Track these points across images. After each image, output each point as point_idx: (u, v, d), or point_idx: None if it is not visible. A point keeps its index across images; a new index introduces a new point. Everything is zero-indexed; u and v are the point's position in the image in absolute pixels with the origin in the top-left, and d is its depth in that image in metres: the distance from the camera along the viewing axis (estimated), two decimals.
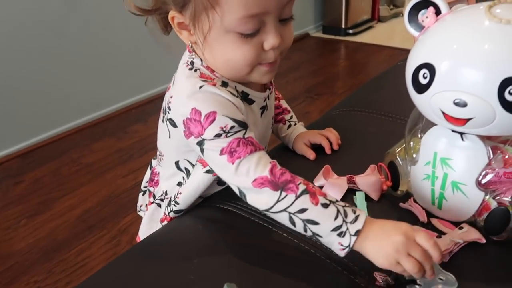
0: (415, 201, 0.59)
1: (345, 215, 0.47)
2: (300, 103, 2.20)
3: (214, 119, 0.52)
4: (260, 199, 0.50)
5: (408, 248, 0.44)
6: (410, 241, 0.45)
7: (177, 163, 0.65)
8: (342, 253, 0.48)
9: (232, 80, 0.57)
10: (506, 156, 0.51)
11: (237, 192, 0.52)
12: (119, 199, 1.54)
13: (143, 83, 2.28)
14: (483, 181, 0.50)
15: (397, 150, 0.60)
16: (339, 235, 0.47)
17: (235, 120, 0.52)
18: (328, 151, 0.73)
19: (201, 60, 0.57)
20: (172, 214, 0.65)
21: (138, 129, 2.03)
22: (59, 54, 1.88)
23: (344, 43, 3.08)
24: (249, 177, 0.50)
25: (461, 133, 0.49)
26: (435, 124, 0.52)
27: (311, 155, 0.72)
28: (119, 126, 2.05)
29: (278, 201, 0.49)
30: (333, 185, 0.62)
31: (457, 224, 0.54)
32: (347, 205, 0.49)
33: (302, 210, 0.48)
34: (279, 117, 0.77)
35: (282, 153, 0.77)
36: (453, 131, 0.50)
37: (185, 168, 0.65)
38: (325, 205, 0.48)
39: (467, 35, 0.45)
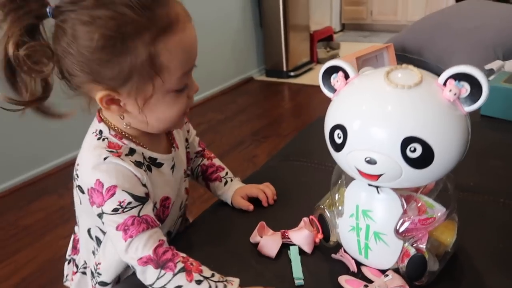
0: (345, 251, 0.61)
1: None
2: (247, 146, 2.24)
3: (114, 193, 0.55)
4: (145, 275, 0.56)
5: None
6: None
7: (89, 231, 0.66)
8: None
9: (138, 144, 0.61)
10: (419, 204, 0.55)
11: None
12: (61, 262, 1.45)
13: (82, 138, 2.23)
14: (401, 230, 0.54)
15: (325, 203, 0.63)
16: None
17: (132, 196, 0.56)
18: (264, 203, 0.75)
19: (109, 129, 0.60)
20: (98, 286, 0.64)
21: None
22: None
23: (287, 85, 3.20)
24: (137, 255, 0.55)
25: (377, 186, 0.53)
26: (355, 178, 0.56)
27: (249, 206, 0.75)
28: (60, 183, 1.97)
29: (158, 278, 0.55)
30: (267, 241, 0.63)
31: (384, 271, 0.57)
32: (221, 279, 0.56)
33: (179, 287, 0.54)
34: (214, 176, 0.79)
35: (219, 209, 0.78)
36: (369, 184, 0.53)
37: (96, 237, 0.65)
38: (199, 282, 0.54)
39: (370, 99, 0.50)
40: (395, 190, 0.53)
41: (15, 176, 1.93)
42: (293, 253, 0.62)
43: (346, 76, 0.54)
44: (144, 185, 0.59)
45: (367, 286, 0.54)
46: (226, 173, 0.80)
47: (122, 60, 0.52)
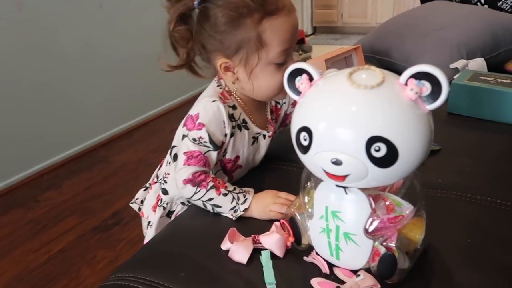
0: (317, 253, 0.61)
1: (238, 199, 0.73)
2: None
3: (200, 129, 0.74)
4: (184, 191, 0.75)
5: (273, 200, 0.72)
6: (274, 197, 0.73)
7: (172, 148, 0.84)
8: (233, 219, 0.73)
9: (242, 106, 0.80)
10: (387, 203, 0.55)
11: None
12: (30, 278, 1.41)
13: (54, 146, 2.17)
14: (370, 229, 0.54)
15: (296, 206, 0.63)
16: (233, 211, 0.73)
17: (210, 140, 0.74)
18: None
19: (225, 84, 0.80)
20: (160, 193, 0.87)
21: (51, 196, 1.91)
22: None
23: None
24: (182, 177, 0.74)
25: (344, 187, 0.53)
26: (323, 180, 0.55)
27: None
28: (29, 195, 1.91)
29: (195, 193, 0.74)
30: (238, 248, 0.62)
31: (356, 272, 0.57)
32: (241, 191, 0.74)
33: (210, 199, 0.73)
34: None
35: (192, 216, 0.76)
36: (337, 185, 0.53)
37: (174, 154, 0.83)
38: (225, 194, 0.73)
39: (335, 100, 0.49)
40: (363, 190, 0.53)
41: None
42: (265, 257, 0.61)
43: (311, 79, 0.54)
44: (226, 135, 0.76)
45: (339, 287, 0.54)
46: None
47: (237, 33, 0.71)
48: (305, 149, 0.51)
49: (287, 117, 0.94)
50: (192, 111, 0.76)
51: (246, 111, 0.81)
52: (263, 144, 0.86)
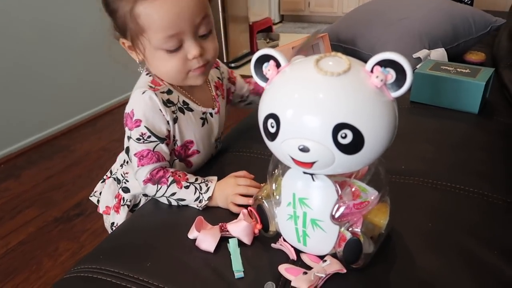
0: (284, 240, 0.61)
1: (200, 189, 0.72)
2: None
3: (138, 126, 0.72)
4: (147, 190, 0.74)
5: (232, 190, 0.70)
6: (233, 186, 0.71)
7: (127, 148, 0.78)
8: (200, 208, 0.72)
9: (178, 88, 0.77)
10: (353, 189, 0.56)
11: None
12: None
13: (11, 134, 2.07)
14: (337, 215, 0.54)
15: (264, 193, 0.63)
16: (198, 201, 0.72)
17: (152, 133, 0.72)
18: None
19: None
20: (121, 191, 0.85)
21: (9, 187, 1.83)
22: None
23: None
24: (141, 178, 0.73)
25: (312, 174, 0.53)
26: (291, 167, 0.55)
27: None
28: None
29: (157, 190, 0.73)
30: (205, 236, 0.61)
31: (322, 257, 0.58)
32: (202, 181, 0.73)
33: (173, 194, 0.72)
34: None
35: (159, 204, 0.75)
36: (304, 172, 0.53)
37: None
38: (187, 187, 0.72)
39: (302, 87, 0.49)
40: (330, 177, 0.53)
41: None
42: (232, 245, 0.61)
43: (278, 65, 0.54)
44: (168, 123, 0.73)
45: (306, 272, 0.55)
46: None
47: (116, 16, 0.68)
48: (273, 136, 0.51)
49: (229, 93, 0.93)
50: (127, 108, 0.73)
51: (184, 92, 0.78)
52: (214, 122, 0.83)
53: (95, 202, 0.93)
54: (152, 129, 0.72)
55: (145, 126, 0.71)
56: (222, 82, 0.89)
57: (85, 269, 0.61)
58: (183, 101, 0.77)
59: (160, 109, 0.72)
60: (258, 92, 0.97)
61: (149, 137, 0.72)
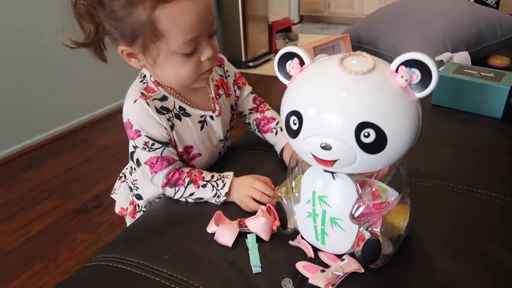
0: (302, 237, 0.61)
1: (217, 186, 0.72)
2: None
3: (140, 135, 0.71)
4: (166, 193, 0.75)
5: (247, 191, 0.70)
6: (249, 188, 0.71)
7: (131, 153, 0.80)
8: (219, 204, 0.72)
9: (178, 92, 0.75)
10: (373, 189, 0.56)
11: None
12: (7, 259, 1.39)
13: (33, 126, 2.12)
14: (356, 214, 0.54)
15: (283, 190, 0.63)
16: (216, 197, 0.72)
17: (155, 140, 0.71)
18: None
19: (151, 76, 0.73)
20: (134, 198, 0.85)
21: (30, 177, 1.87)
22: None
23: (245, 75, 3.15)
24: (158, 184, 0.74)
25: (332, 172, 0.53)
26: (311, 165, 0.56)
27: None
28: (7, 176, 1.87)
29: (175, 193, 0.74)
30: (224, 231, 0.62)
31: (340, 256, 0.58)
32: (218, 177, 0.74)
33: (191, 194, 0.73)
34: (265, 127, 0.87)
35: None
36: (325, 170, 0.53)
37: (137, 159, 0.80)
38: (204, 186, 0.73)
39: (325, 85, 0.49)
40: (350, 175, 0.53)
41: None
42: (250, 241, 0.61)
43: (302, 63, 0.54)
44: (166, 128, 0.72)
45: (324, 270, 0.55)
46: (277, 123, 0.86)
47: (129, 21, 0.62)
48: (295, 133, 0.51)
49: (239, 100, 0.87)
50: (124, 117, 0.72)
51: (180, 98, 0.75)
52: (215, 125, 0.80)
53: (115, 199, 0.94)
54: (154, 137, 0.71)
55: (146, 136, 0.70)
56: (227, 80, 0.84)
57: (105, 258, 0.62)
58: (180, 107, 0.74)
59: (154, 116, 0.70)
60: (259, 127, 0.88)
61: (153, 144, 0.71)
